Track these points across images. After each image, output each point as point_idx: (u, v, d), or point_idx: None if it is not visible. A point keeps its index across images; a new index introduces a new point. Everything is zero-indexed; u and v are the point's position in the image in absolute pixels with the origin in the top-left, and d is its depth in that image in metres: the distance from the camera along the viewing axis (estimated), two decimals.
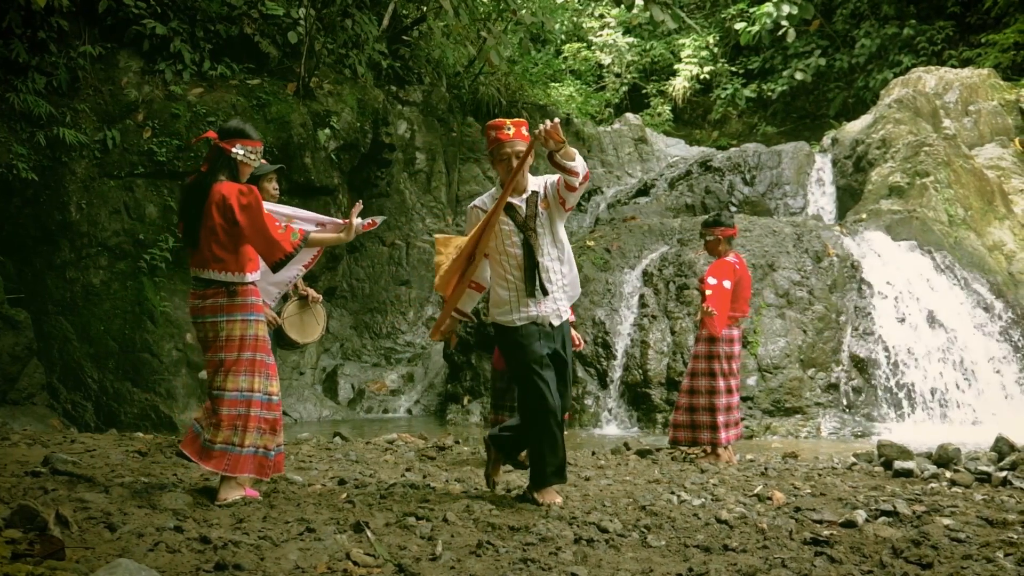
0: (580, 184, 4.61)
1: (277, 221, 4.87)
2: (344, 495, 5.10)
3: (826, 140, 15.62)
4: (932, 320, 10.22)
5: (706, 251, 7.36)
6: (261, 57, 11.62)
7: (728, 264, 6.99)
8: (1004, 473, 5.85)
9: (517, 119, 4.91)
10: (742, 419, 9.41)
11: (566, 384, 4.92)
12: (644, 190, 15.57)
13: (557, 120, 4.48)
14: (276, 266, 4.77)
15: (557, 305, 4.85)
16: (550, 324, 4.82)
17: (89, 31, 10.58)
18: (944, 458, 6.37)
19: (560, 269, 4.86)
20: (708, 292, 6.81)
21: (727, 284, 6.86)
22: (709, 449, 7.06)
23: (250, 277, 4.86)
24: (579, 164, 4.57)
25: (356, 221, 5.32)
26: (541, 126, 4.40)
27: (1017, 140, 14.09)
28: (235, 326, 4.80)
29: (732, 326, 7.10)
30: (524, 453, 6.89)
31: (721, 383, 7.02)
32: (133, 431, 8.83)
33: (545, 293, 4.76)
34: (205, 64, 11.12)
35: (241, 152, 4.88)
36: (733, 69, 22.23)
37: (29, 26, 9.94)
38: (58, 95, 10.23)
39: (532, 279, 4.76)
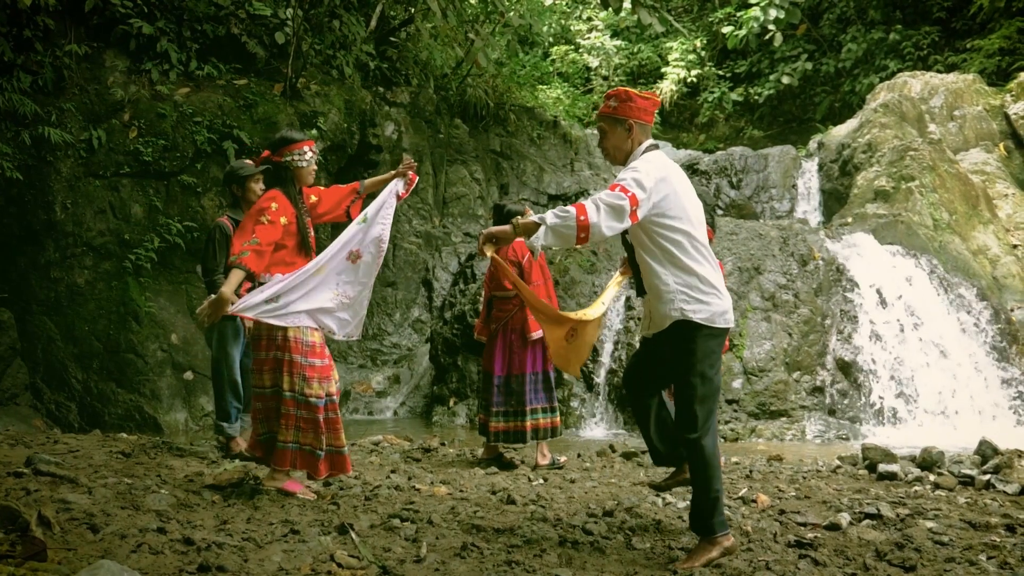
0: (579, 242, 3.91)
1: (252, 238, 4.95)
2: (329, 496, 5.09)
3: (812, 144, 15.69)
4: (916, 324, 10.26)
5: None
6: (248, 57, 11.59)
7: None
8: (987, 476, 5.89)
9: (612, 89, 4.28)
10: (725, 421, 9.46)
11: (676, 394, 4.22)
12: None
13: (483, 232, 4.12)
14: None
15: (649, 314, 4.22)
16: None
17: (75, 30, 10.53)
18: (928, 461, 6.41)
19: (647, 278, 4.15)
20: None
21: None
22: None
23: (277, 278, 5.01)
24: (540, 238, 3.93)
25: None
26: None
27: (1002, 145, 14.18)
28: (261, 326, 5.05)
29: None
30: (508, 455, 6.93)
31: None
32: (117, 432, 8.78)
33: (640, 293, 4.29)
34: (192, 64, 11.08)
35: (290, 158, 5.20)
36: (720, 73, 22.29)
37: (14, 24, 9.88)
38: (44, 94, 10.17)
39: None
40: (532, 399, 6.70)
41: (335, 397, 5.11)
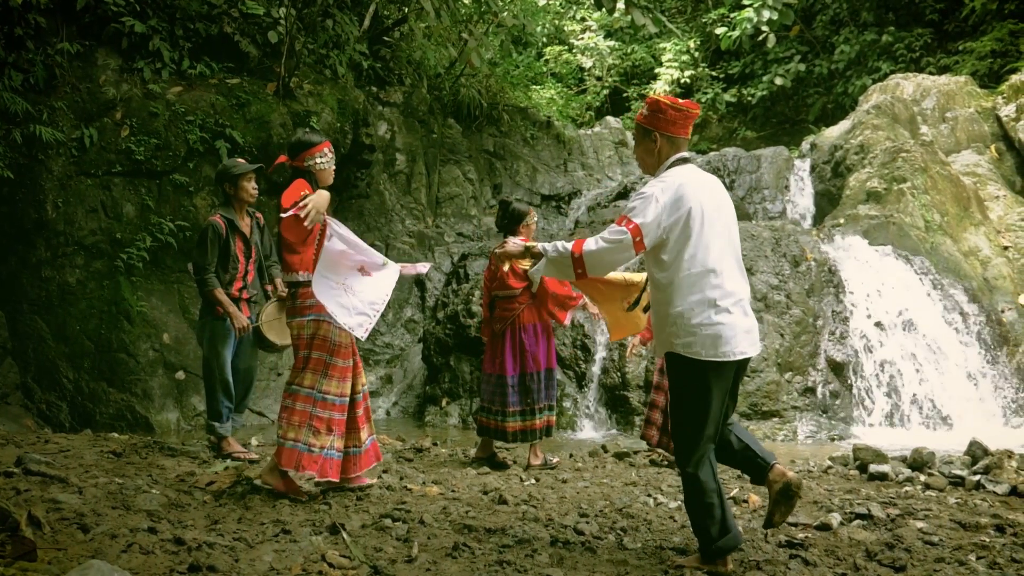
0: (579, 277, 3.95)
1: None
2: (320, 496, 5.08)
3: (805, 145, 15.70)
4: (907, 325, 10.29)
5: None
6: (241, 56, 11.57)
7: None
8: (977, 477, 5.91)
9: (650, 95, 4.22)
10: None
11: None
12: (624, 193, 15.58)
13: (497, 250, 4.40)
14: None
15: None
16: None
17: (67, 28, 10.49)
18: (918, 462, 6.43)
19: (652, 297, 4.08)
20: None
21: None
22: None
23: (302, 277, 5.03)
24: (540, 269, 4.06)
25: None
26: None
27: (993, 147, 14.22)
28: (292, 325, 5.15)
29: None
30: (501, 455, 6.93)
31: None
32: (108, 431, 8.75)
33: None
34: (184, 63, 11.06)
35: (312, 162, 5.17)
36: (714, 74, 22.32)
37: (6, 22, 9.84)
38: (35, 92, 10.14)
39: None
40: (543, 396, 6.71)
41: (345, 399, 5.12)
